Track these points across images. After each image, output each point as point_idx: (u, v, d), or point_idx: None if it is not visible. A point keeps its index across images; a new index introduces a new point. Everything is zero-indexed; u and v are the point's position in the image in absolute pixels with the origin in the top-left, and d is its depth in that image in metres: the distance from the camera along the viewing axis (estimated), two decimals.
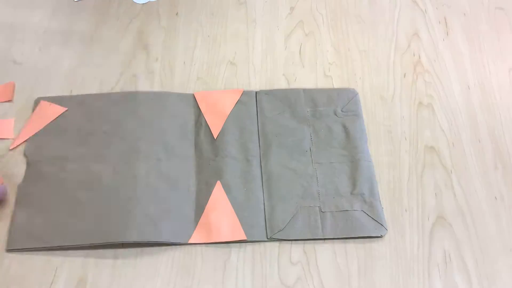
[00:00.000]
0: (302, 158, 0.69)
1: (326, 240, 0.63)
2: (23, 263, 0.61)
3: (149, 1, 0.87)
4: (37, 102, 0.73)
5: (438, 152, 0.72)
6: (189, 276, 0.61)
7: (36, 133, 0.70)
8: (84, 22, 0.84)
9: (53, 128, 0.70)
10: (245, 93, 0.75)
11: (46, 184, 0.66)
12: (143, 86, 0.76)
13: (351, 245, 0.63)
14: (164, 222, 0.63)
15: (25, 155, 0.68)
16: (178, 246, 0.63)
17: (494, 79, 0.80)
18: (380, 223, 0.64)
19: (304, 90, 0.76)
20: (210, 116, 0.72)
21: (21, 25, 0.83)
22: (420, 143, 0.72)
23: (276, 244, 0.63)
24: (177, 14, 0.86)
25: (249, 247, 0.63)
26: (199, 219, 0.64)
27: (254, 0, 0.88)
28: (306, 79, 0.78)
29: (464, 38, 0.85)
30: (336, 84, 0.78)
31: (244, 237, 0.62)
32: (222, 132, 0.71)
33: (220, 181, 0.66)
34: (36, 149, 0.69)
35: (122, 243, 0.62)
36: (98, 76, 0.77)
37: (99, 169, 0.66)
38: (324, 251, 0.63)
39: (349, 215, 0.65)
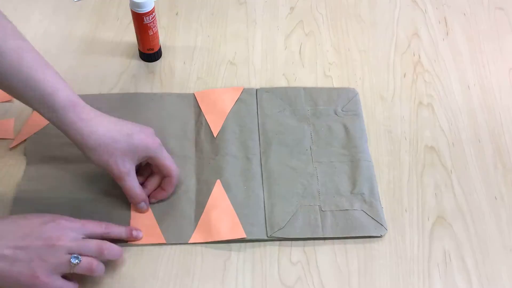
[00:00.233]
0: (303, 157, 0.69)
1: (326, 240, 0.63)
2: None
3: None
4: None
5: (438, 152, 0.72)
6: (189, 276, 0.61)
7: (35, 132, 0.70)
8: (84, 22, 0.84)
9: (53, 128, 0.70)
10: (245, 91, 0.75)
11: (45, 184, 0.65)
12: (143, 86, 0.76)
13: (351, 245, 0.63)
14: (164, 222, 0.63)
15: (25, 155, 0.68)
16: (178, 245, 0.63)
17: (494, 79, 0.80)
18: (380, 223, 0.64)
19: (305, 88, 0.76)
20: (210, 115, 0.72)
21: (21, 25, 0.83)
22: (420, 143, 0.72)
23: (276, 244, 0.63)
24: (177, 14, 0.86)
25: (249, 247, 0.63)
26: (199, 219, 0.64)
27: (254, 0, 0.88)
28: (306, 79, 0.78)
29: (464, 38, 0.85)
30: (336, 84, 0.78)
31: (244, 236, 0.62)
32: (222, 131, 0.71)
33: (220, 180, 0.66)
34: (36, 149, 0.68)
35: (122, 243, 0.61)
36: (98, 76, 0.77)
37: (99, 170, 0.66)
38: (324, 251, 0.63)
39: (349, 214, 0.64)
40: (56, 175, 0.66)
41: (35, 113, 0.72)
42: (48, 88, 0.56)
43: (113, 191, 0.65)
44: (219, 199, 0.65)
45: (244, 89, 0.75)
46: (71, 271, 0.54)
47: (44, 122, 0.71)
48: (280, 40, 0.83)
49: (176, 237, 0.62)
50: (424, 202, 0.67)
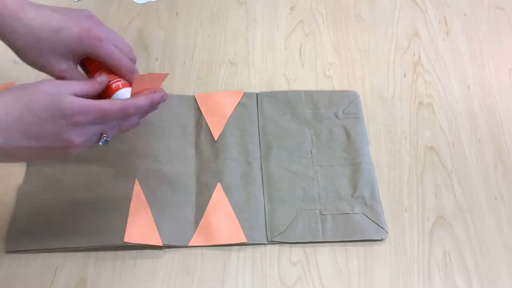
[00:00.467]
0: (303, 161, 0.69)
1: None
2: (23, 263, 0.61)
3: (149, 1, 0.87)
4: None
5: (438, 152, 0.72)
6: (189, 276, 0.61)
7: None
8: None
9: None
10: (246, 95, 0.75)
11: (46, 185, 0.65)
12: None
13: (351, 245, 0.63)
14: (164, 224, 0.63)
15: None
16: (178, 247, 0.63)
17: (494, 79, 0.80)
18: (381, 226, 0.64)
19: (305, 92, 0.75)
20: (211, 118, 0.72)
21: None
22: (420, 143, 0.72)
23: (277, 244, 0.63)
24: (177, 14, 0.86)
25: (249, 247, 0.63)
26: (199, 222, 0.64)
27: (254, 0, 0.88)
28: (306, 79, 0.78)
29: (464, 38, 0.85)
30: (336, 84, 0.78)
31: (244, 240, 0.62)
32: (222, 134, 0.70)
33: (221, 183, 0.66)
34: None
35: (121, 244, 0.61)
36: None
37: (99, 170, 0.66)
38: (324, 251, 0.63)
39: (350, 218, 0.64)
40: (56, 176, 0.66)
41: None
42: None
43: (112, 191, 0.65)
44: (219, 203, 0.65)
45: (244, 93, 0.75)
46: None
47: None
48: (280, 40, 0.83)
49: (175, 239, 0.62)
50: (424, 202, 0.67)
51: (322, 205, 0.65)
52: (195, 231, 0.63)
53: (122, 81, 0.57)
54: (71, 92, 0.50)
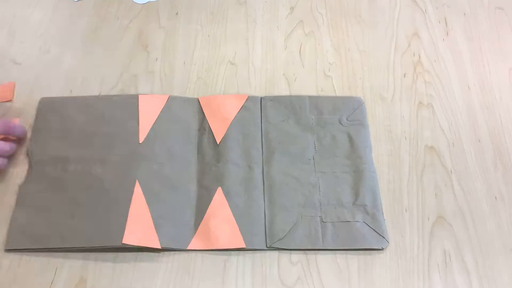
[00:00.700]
0: (305, 167, 0.68)
1: None
2: (23, 263, 0.61)
3: (149, 1, 0.87)
4: (41, 102, 0.73)
5: (438, 152, 0.72)
6: (189, 276, 0.61)
7: (38, 133, 0.70)
8: (84, 22, 0.84)
9: (56, 128, 0.70)
10: (250, 99, 0.74)
11: (47, 185, 0.65)
12: (143, 86, 0.76)
13: None
14: (163, 227, 0.63)
15: (27, 154, 0.68)
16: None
17: (494, 79, 0.80)
18: (381, 235, 0.63)
19: (310, 97, 0.75)
20: (214, 121, 0.72)
21: (21, 25, 0.83)
22: (420, 143, 0.72)
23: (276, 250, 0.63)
24: (177, 14, 0.86)
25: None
26: (198, 225, 0.64)
27: (254, 0, 0.88)
28: (306, 79, 0.78)
29: (464, 38, 0.85)
30: (336, 84, 0.78)
31: (243, 245, 0.62)
32: (225, 138, 0.70)
33: (221, 187, 0.66)
34: (38, 149, 0.68)
35: (118, 246, 0.61)
36: (98, 76, 0.77)
37: (100, 171, 0.66)
38: (324, 251, 0.63)
39: (351, 226, 0.64)
40: (57, 176, 0.66)
41: None
42: None
43: (112, 192, 0.65)
44: (219, 207, 0.65)
45: (248, 96, 0.74)
46: None
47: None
48: (280, 40, 0.83)
49: (174, 242, 0.62)
50: (424, 202, 0.67)
51: (323, 212, 0.65)
52: (194, 234, 0.63)
53: None
54: None
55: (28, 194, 0.65)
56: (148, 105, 0.73)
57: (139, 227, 0.62)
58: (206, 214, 0.64)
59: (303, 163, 0.69)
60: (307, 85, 0.77)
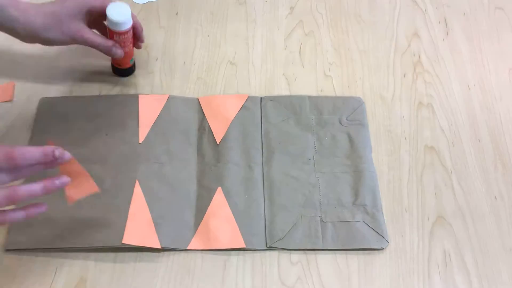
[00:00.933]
0: (305, 167, 0.68)
1: None
2: (23, 263, 0.61)
3: (149, 1, 0.87)
4: (41, 102, 0.73)
5: (438, 152, 0.72)
6: (189, 276, 0.61)
7: (38, 133, 0.70)
8: None
9: (56, 128, 0.70)
10: (249, 99, 0.74)
11: None
12: (143, 86, 0.76)
13: None
14: (163, 227, 0.63)
15: None
16: None
17: (494, 79, 0.80)
18: (381, 235, 0.63)
19: (310, 97, 0.75)
20: (214, 121, 0.72)
21: None
22: (420, 143, 0.72)
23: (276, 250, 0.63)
24: (177, 14, 0.86)
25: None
26: (198, 225, 0.64)
27: (254, 0, 0.88)
28: (306, 79, 0.78)
29: (464, 38, 0.85)
30: (336, 84, 0.78)
31: (243, 245, 0.62)
32: (225, 138, 0.70)
33: (221, 187, 0.66)
34: None
35: (117, 246, 0.61)
36: (98, 76, 0.77)
37: (100, 171, 0.66)
38: (324, 251, 0.63)
39: (351, 226, 0.64)
40: None
41: None
42: None
43: (112, 192, 0.64)
44: (219, 207, 0.64)
45: (248, 96, 0.74)
46: None
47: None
48: (280, 40, 0.83)
49: (174, 242, 0.62)
50: (424, 202, 0.67)
51: (322, 212, 0.65)
52: (194, 234, 0.63)
53: None
54: None
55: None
56: (148, 105, 0.73)
57: (139, 227, 0.62)
58: (206, 214, 0.64)
59: (303, 163, 0.69)
60: (307, 85, 0.77)
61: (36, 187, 0.51)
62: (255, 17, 0.86)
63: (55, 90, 0.75)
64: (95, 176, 0.65)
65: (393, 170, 0.70)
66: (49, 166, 0.53)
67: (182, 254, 0.62)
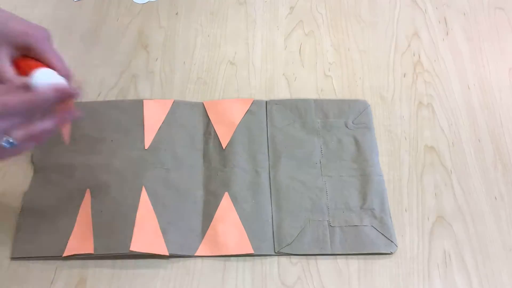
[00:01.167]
0: (312, 171, 0.68)
1: None
2: (23, 263, 0.61)
3: (149, 1, 0.87)
4: None
5: (438, 152, 0.72)
6: (189, 276, 0.60)
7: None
8: (84, 22, 0.84)
9: (59, 135, 0.70)
10: (255, 103, 0.74)
11: (53, 192, 0.65)
12: (143, 86, 0.76)
13: None
14: (171, 233, 0.62)
15: (32, 162, 0.68)
16: None
17: (494, 79, 0.80)
18: (390, 239, 0.63)
19: (315, 100, 0.74)
20: (219, 126, 0.71)
21: None
22: (420, 143, 0.72)
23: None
24: (177, 14, 0.86)
25: None
26: (206, 231, 0.63)
27: (254, 0, 0.88)
28: (306, 79, 0.78)
29: (464, 38, 0.85)
30: (336, 84, 0.78)
31: (251, 251, 0.61)
32: (231, 142, 0.69)
33: (228, 193, 0.65)
34: (44, 156, 0.67)
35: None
36: (98, 76, 0.77)
37: (106, 178, 0.65)
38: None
39: (359, 230, 0.63)
40: (63, 183, 0.65)
41: None
42: None
43: (119, 199, 0.64)
44: (227, 212, 0.64)
45: (254, 100, 0.74)
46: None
47: None
48: (280, 40, 0.83)
49: (182, 249, 0.61)
50: (424, 202, 0.67)
51: (330, 216, 0.64)
52: (201, 240, 0.62)
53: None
54: None
55: (34, 201, 0.64)
56: (153, 111, 0.72)
57: (146, 234, 0.61)
58: (213, 220, 0.63)
59: (309, 167, 0.68)
60: (307, 85, 0.77)
61: (48, 122, 0.50)
62: (255, 17, 0.86)
63: None
64: (101, 183, 0.65)
65: (393, 170, 0.70)
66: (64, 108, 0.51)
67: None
